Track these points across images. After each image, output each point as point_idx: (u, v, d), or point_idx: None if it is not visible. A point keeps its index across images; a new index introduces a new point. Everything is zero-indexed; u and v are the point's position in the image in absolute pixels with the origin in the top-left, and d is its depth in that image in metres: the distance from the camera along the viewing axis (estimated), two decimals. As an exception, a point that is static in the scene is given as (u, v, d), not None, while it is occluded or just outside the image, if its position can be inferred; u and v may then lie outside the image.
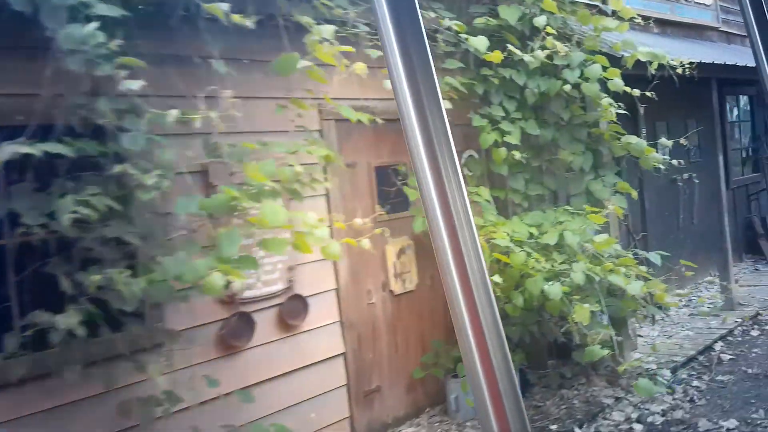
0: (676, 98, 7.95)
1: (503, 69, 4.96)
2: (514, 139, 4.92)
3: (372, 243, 4.29)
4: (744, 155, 10.26)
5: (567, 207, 5.05)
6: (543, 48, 4.81)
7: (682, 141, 5.51)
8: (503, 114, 5.02)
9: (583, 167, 5.18)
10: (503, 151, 4.89)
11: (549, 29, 4.76)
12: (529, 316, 4.70)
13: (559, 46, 4.70)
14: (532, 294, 4.42)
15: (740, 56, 8.78)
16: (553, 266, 4.58)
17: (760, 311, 6.88)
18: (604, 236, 4.70)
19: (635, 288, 4.51)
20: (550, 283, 4.43)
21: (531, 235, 4.81)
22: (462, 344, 0.60)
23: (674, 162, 5.47)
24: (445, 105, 0.64)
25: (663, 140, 5.32)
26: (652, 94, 5.08)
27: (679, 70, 5.13)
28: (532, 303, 4.50)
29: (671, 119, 8.32)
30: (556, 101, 5.13)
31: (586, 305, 4.39)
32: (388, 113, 4.49)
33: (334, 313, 4.63)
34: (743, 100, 10.33)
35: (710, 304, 7.26)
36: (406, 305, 5.16)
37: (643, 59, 5.13)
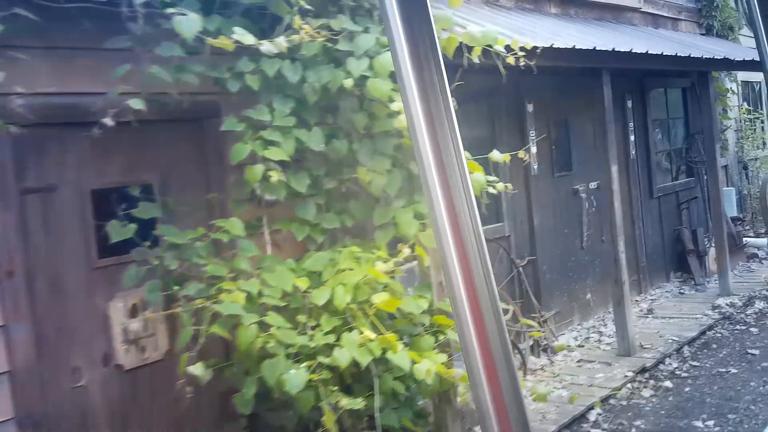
0: (580, 94, 6.60)
1: (271, 60, 3.55)
2: (278, 153, 3.51)
3: (86, 298, 3.18)
4: (674, 157, 8.94)
5: (354, 246, 3.65)
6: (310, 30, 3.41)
7: (521, 154, 4.11)
8: (269, 118, 3.61)
9: (388, 190, 3.79)
10: (259, 168, 3.48)
11: (302, 1, 3.34)
12: (273, 416, 3.32)
13: (307, 28, 3.30)
14: (270, 383, 3.04)
15: (667, 43, 7.45)
16: (311, 339, 3.20)
17: (664, 359, 5.55)
18: (384, 295, 3.30)
19: (421, 370, 3.15)
20: (301, 366, 3.07)
21: (298, 289, 3.43)
22: (467, 359, 0.61)
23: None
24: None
25: (493, 154, 3.92)
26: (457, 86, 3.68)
27: (511, 59, 3.73)
28: (272, 396, 3.13)
29: (574, 120, 6.96)
30: (347, 102, 3.74)
31: (347, 400, 3.03)
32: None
33: (5, 407, 3.22)
34: (675, 93, 9.01)
35: (605, 345, 5.94)
36: (146, 384, 3.76)
37: (469, 43, 3.75)
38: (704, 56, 7.05)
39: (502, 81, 3.92)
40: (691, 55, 6.78)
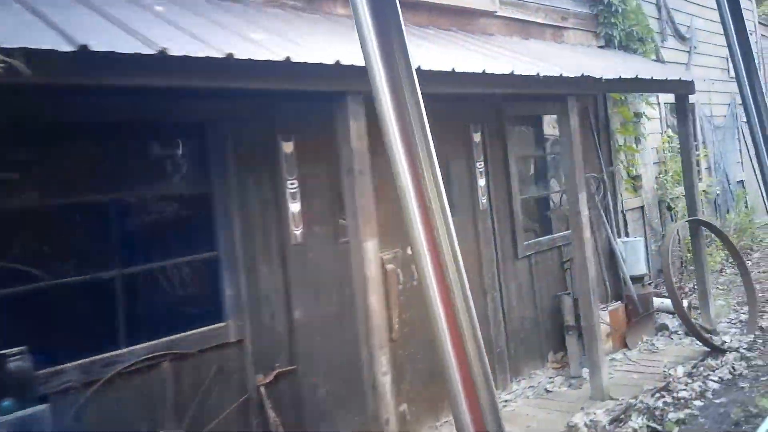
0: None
1: None
2: None
3: None
4: (554, 203, 7.03)
5: None
6: None
7: None
8: None
9: None
10: None
11: None
12: None
13: None
14: None
15: (523, 59, 5.58)
16: None
17: None
18: None
19: None
20: None
21: None
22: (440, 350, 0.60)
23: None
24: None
25: None
26: None
27: None
28: None
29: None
30: None
31: None
32: None
33: None
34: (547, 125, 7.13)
35: None
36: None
37: None
38: (564, 74, 5.17)
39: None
40: (540, 74, 4.88)
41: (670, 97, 9.66)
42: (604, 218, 7.41)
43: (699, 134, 10.43)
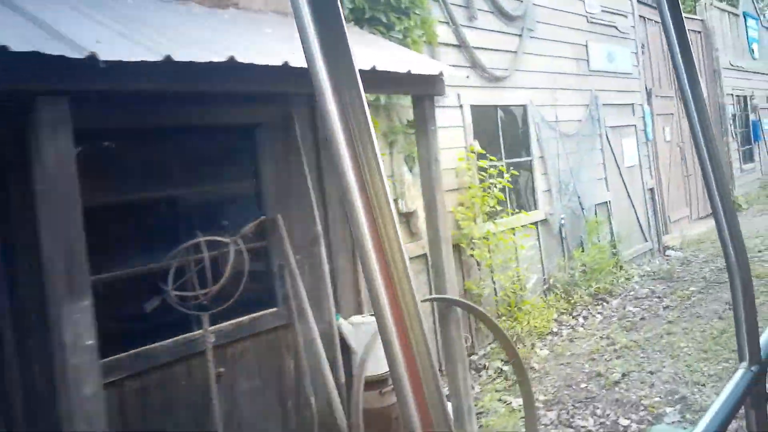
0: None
1: None
2: None
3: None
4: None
5: None
6: None
7: None
8: None
9: None
10: None
11: None
12: None
13: None
14: None
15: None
16: None
17: None
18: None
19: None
20: None
21: None
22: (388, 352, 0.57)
23: None
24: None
25: None
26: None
27: None
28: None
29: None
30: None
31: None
32: None
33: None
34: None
35: None
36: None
37: None
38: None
39: None
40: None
41: (478, 98, 7.02)
42: (328, 288, 4.68)
43: (534, 145, 7.85)
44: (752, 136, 16.49)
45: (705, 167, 1.26)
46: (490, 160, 6.71)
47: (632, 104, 10.32)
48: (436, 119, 4.61)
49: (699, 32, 14.54)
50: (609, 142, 9.45)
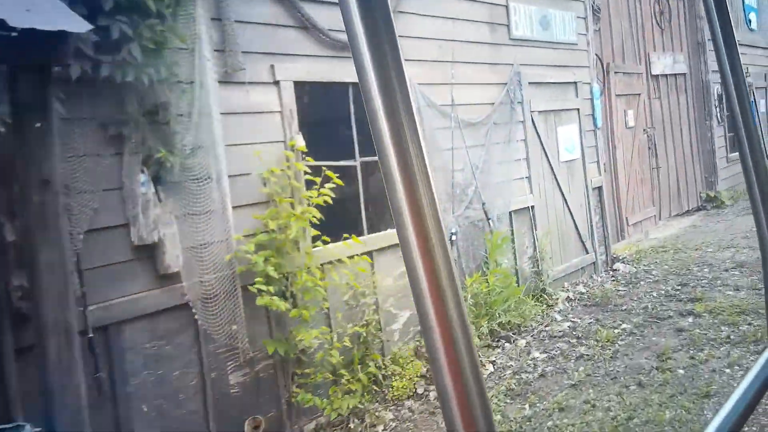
0: None
1: None
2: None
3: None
4: None
5: None
6: None
7: None
8: None
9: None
10: None
11: None
12: None
13: None
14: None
15: None
16: None
17: None
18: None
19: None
20: None
21: None
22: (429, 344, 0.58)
23: None
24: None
25: None
26: None
27: None
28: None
29: None
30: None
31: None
32: None
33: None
34: None
35: None
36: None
37: None
38: None
39: None
40: None
41: (312, 72, 5.07)
42: None
43: (419, 136, 5.87)
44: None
45: (744, 153, 1.29)
46: (318, 162, 4.77)
47: (575, 83, 8.27)
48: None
49: (682, -3, 12.36)
50: (537, 130, 7.45)
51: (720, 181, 12.71)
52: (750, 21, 14.99)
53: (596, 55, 9.17)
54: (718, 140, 12.85)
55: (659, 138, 11.26)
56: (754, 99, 14.94)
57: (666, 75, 11.59)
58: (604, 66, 9.43)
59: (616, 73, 9.61)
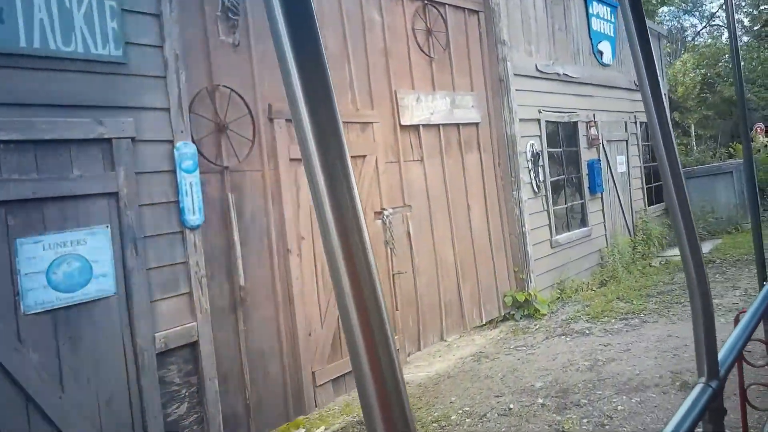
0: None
1: None
2: None
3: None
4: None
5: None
6: None
7: None
8: None
9: None
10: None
11: None
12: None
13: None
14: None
15: None
16: None
17: None
18: None
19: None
20: None
21: None
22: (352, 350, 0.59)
23: None
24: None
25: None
26: None
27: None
28: None
29: None
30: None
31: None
32: None
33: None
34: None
35: None
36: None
37: None
38: None
39: None
40: None
41: None
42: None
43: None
44: (589, 184, 10.57)
45: (666, 179, 1.31)
46: None
47: (110, 140, 4.08)
48: None
49: (476, 12, 8.51)
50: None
51: (535, 278, 8.77)
52: (600, 52, 11.38)
53: (229, 88, 5.05)
54: (533, 218, 8.95)
55: (419, 222, 7.23)
56: (605, 155, 11.23)
57: (437, 125, 7.63)
58: (255, 110, 5.32)
59: (289, 121, 5.51)
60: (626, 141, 12.11)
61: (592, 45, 11.12)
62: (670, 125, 1.32)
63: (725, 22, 40.86)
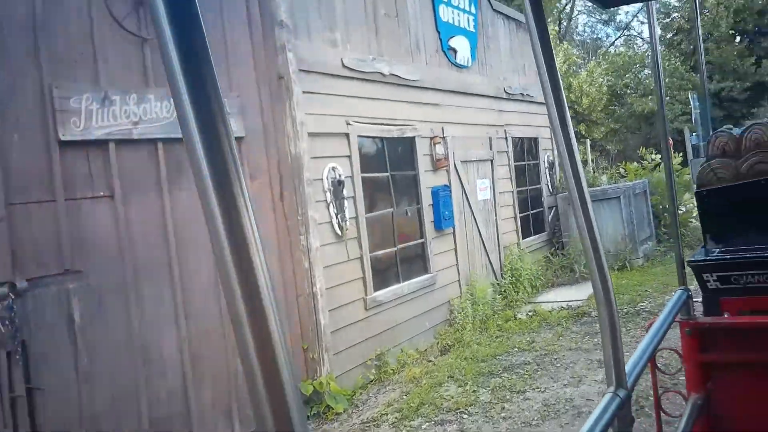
0: None
1: None
2: None
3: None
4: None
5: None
6: None
7: None
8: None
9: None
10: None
11: None
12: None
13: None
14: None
15: None
16: None
17: None
18: None
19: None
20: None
21: None
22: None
23: None
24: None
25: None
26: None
27: None
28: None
29: None
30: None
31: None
32: None
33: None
34: None
35: None
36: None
37: None
38: None
39: None
40: None
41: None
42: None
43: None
44: (434, 218, 8.17)
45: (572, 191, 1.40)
46: None
47: None
48: None
49: (244, -19, 5.94)
50: None
51: (332, 358, 6.23)
52: (452, 50, 9.05)
53: None
54: (334, 271, 6.42)
55: (102, 297, 4.57)
56: (459, 179, 8.88)
57: (153, 141, 5.01)
58: None
59: None
60: (491, 161, 9.82)
61: (441, 40, 8.76)
62: (574, 141, 1.35)
63: (639, 31, 40.25)
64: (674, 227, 3.07)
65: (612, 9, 39.48)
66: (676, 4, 30.84)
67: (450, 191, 8.45)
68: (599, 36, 41.30)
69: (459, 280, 8.70)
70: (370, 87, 7.16)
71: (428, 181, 8.14)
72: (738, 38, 29.86)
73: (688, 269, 3.00)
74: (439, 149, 8.29)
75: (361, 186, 6.88)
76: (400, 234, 7.61)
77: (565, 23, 36.96)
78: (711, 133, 3.48)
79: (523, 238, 10.75)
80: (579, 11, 40.28)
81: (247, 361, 0.58)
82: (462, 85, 9.18)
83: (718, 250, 3.06)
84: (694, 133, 14.17)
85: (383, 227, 7.36)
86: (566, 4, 38.17)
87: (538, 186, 11.76)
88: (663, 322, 2.41)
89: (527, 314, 8.95)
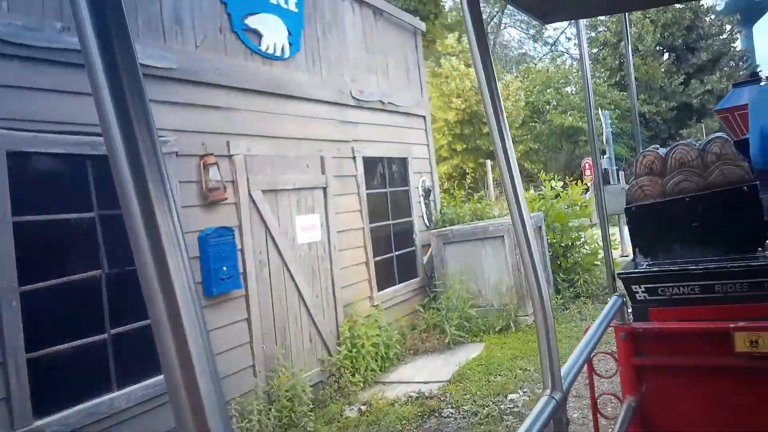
0: None
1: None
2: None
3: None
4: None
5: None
6: None
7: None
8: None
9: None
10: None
11: None
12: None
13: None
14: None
15: None
16: None
17: None
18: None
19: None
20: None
21: None
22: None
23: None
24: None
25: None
26: None
27: None
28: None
29: None
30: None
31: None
32: None
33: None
34: None
35: None
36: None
37: None
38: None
39: None
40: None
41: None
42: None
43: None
44: (203, 276, 5.42)
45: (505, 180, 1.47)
46: None
47: None
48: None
49: None
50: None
51: None
52: (255, 34, 6.39)
53: None
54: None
55: None
56: (261, 216, 6.17)
57: None
58: None
59: None
60: (324, 189, 7.16)
61: (230, 17, 6.08)
62: (511, 151, 1.34)
63: (567, 48, 38.95)
64: (605, 241, 3.21)
65: (539, 26, 38.11)
66: (602, 18, 29.43)
67: (234, 235, 5.71)
68: (527, 51, 39.79)
69: (254, 366, 5.96)
70: (47, 76, 4.37)
71: (193, 221, 5.40)
72: (666, 54, 28.56)
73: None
74: (213, 174, 5.56)
75: (12, 244, 4.04)
76: (125, 313, 4.80)
77: (493, 36, 35.28)
78: (640, 151, 3.47)
79: (379, 290, 8.11)
80: (506, 24, 38.74)
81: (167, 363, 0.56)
82: (274, 84, 6.52)
83: (646, 263, 3.23)
84: (605, 156, 12.02)
85: (87, 304, 4.54)
86: (493, 17, 36.52)
87: (408, 219, 9.18)
88: (598, 327, 2.54)
89: (359, 409, 6.27)
